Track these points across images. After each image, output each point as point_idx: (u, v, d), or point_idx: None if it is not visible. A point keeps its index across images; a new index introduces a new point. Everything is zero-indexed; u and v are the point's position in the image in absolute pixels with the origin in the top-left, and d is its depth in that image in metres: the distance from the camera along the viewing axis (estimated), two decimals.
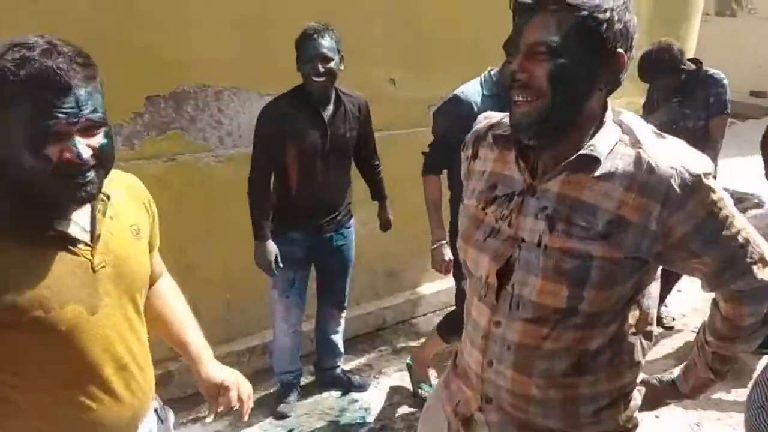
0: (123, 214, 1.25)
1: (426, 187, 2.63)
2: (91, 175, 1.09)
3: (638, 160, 1.10)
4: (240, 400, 1.46)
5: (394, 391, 3.00)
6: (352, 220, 2.88)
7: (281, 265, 2.63)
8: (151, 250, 1.38)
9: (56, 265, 1.11)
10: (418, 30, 3.37)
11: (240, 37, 2.77)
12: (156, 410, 1.41)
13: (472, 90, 2.49)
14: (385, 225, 3.04)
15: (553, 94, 1.07)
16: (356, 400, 2.91)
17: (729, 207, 1.13)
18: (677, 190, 1.07)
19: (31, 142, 1.04)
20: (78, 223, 1.15)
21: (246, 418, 1.50)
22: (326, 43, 2.40)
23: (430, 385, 2.96)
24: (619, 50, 1.08)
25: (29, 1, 2.24)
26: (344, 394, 2.97)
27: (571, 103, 1.10)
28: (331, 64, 2.41)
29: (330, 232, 2.75)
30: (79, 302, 1.14)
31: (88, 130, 1.08)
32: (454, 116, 2.43)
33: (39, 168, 1.05)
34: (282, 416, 2.84)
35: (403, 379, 3.09)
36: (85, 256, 1.15)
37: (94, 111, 1.07)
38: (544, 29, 1.06)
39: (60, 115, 1.03)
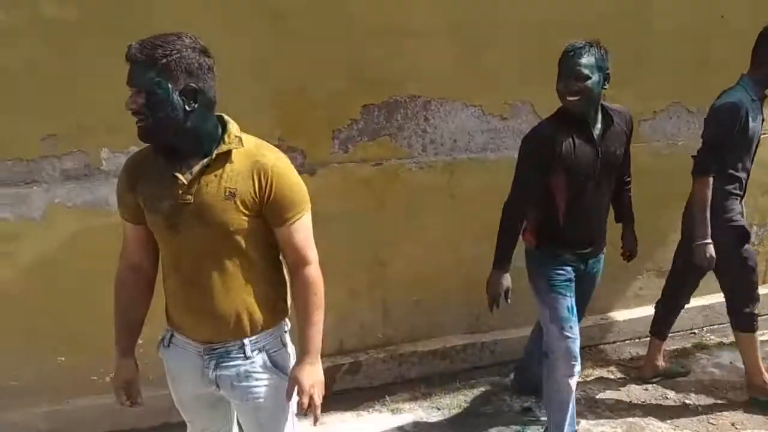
0: (227, 177, 1.58)
1: (701, 186, 2.71)
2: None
3: None
4: (310, 405, 1.68)
5: (580, 415, 2.86)
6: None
7: (509, 301, 2.51)
8: (275, 224, 1.65)
9: (164, 188, 1.58)
10: (631, 43, 3.23)
11: (452, 50, 2.88)
12: (244, 346, 1.69)
13: (744, 97, 2.70)
14: (630, 252, 2.83)
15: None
16: (539, 419, 2.84)
17: None
18: None
19: None
20: (190, 170, 1.57)
21: (316, 423, 1.72)
22: (584, 60, 2.29)
23: None
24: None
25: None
26: (527, 410, 2.93)
27: None
28: (588, 83, 2.28)
29: (594, 255, 2.56)
30: (167, 218, 1.59)
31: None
32: (731, 122, 2.66)
33: None
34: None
35: (590, 406, 2.97)
36: (178, 191, 1.57)
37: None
38: None
39: None
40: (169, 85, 1.50)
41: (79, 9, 2.37)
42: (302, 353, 1.70)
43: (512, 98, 3.05)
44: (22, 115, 2.39)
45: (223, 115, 1.63)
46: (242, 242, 1.63)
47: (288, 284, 1.78)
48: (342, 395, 3.00)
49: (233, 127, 1.62)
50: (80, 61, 2.41)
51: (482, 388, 3.09)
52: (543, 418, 2.84)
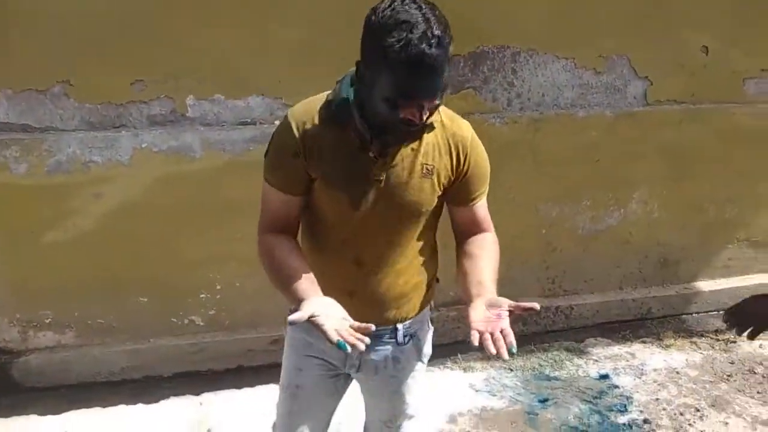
0: (424, 152, 1.40)
1: None
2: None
3: None
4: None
5: (661, 386, 2.78)
6: None
7: None
8: (460, 203, 1.48)
9: (353, 163, 1.38)
10: None
11: None
12: (396, 331, 1.55)
13: None
14: None
15: None
16: (617, 386, 2.76)
17: None
18: None
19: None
20: (385, 144, 1.37)
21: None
22: None
23: None
24: None
25: None
26: (604, 377, 2.84)
27: None
28: None
29: None
30: (349, 194, 1.40)
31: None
32: None
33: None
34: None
35: (672, 377, 2.85)
36: (371, 168, 1.38)
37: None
38: None
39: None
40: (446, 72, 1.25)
41: None
42: (482, 292, 1.37)
43: (607, 51, 2.86)
44: (112, 59, 2.40)
45: None
46: (426, 222, 1.47)
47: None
48: None
49: None
50: (171, 6, 2.40)
51: (556, 353, 3.02)
52: (620, 386, 2.75)
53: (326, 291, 1.39)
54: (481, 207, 1.50)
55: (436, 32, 1.18)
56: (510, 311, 1.28)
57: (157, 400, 2.66)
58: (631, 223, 3.24)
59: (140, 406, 2.63)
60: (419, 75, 1.20)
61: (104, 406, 2.62)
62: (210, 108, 2.55)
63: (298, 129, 1.38)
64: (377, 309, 1.51)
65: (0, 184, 2.48)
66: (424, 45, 1.17)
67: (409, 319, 1.56)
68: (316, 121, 1.38)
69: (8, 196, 2.50)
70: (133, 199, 2.60)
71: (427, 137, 1.40)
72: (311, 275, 1.39)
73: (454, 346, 3.06)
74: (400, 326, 1.55)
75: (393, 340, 1.57)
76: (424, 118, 1.28)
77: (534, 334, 3.21)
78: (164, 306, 2.82)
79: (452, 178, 1.43)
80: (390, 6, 1.23)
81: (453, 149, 1.42)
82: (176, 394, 2.70)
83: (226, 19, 2.44)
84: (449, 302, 3.15)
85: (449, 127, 1.43)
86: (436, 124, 1.39)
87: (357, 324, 1.26)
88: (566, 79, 2.85)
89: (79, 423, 2.53)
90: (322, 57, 2.22)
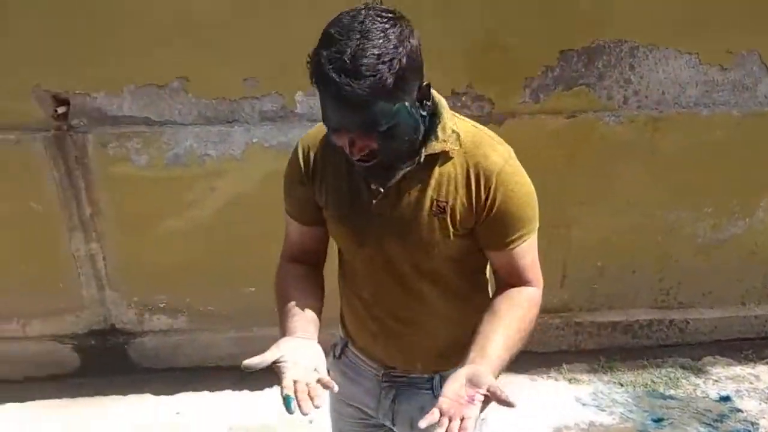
0: (435, 185, 1.19)
1: None
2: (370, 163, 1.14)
3: None
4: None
5: None
6: None
7: None
8: (491, 247, 1.25)
9: (354, 194, 1.25)
10: None
11: None
12: (432, 380, 1.40)
13: None
14: None
15: None
16: (740, 410, 2.54)
17: None
18: None
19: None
20: (388, 175, 1.20)
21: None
22: None
23: None
24: None
25: None
26: (725, 399, 2.63)
27: None
28: None
29: None
30: (352, 228, 1.28)
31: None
32: None
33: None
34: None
35: None
36: (371, 201, 1.23)
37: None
38: None
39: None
40: (406, 104, 1.08)
41: None
42: (477, 360, 1.14)
43: (736, 46, 2.64)
44: (226, 55, 2.49)
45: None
46: (445, 266, 1.27)
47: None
48: None
49: (447, 114, 1.19)
50: (282, 2, 2.46)
51: (670, 369, 2.83)
52: (744, 410, 2.53)
53: (351, 323, 1.41)
54: (522, 254, 1.23)
55: (361, 58, 0.99)
56: (486, 395, 1.07)
57: (261, 388, 2.74)
58: (757, 232, 2.98)
59: (246, 392, 2.72)
60: (331, 102, 1.05)
61: (212, 390, 2.74)
62: (317, 104, 2.56)
63: (303, 155, 1.30)
64: (402, 356, 1.40)
65: (122, 174, 2.65)
66: (330, 68, 1.00)
67: (447, 370, 1.32)
68: (322, 148, 1.27)
69: (130, 186, 2.67)
70: (244, 192, 2.69)
71: (442, 168, 1.19)
72: (310, 313, 1.26)
73: (559, 356, 2.95)
74: (438, 377, 1.40)
75: (429, 391, 1.40)
76: (357, 154, 1.10)
77: (645, 347, 3.03)
78: (269, 296, 2.87)
79: (472, 216, 1.20)
80: (343, 13, 1.09)
81: (473, 181, 1.18)
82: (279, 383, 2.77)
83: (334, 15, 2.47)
84: (551, 309, 3.03)
85: (472, 154, 1.18)
86: (455, 153, 1.18)
87: (325, 380, 1.13)
88: (689, 75, 2.66)
89: (191, 405, 2.66)
90: (428, 53, 2.20)
